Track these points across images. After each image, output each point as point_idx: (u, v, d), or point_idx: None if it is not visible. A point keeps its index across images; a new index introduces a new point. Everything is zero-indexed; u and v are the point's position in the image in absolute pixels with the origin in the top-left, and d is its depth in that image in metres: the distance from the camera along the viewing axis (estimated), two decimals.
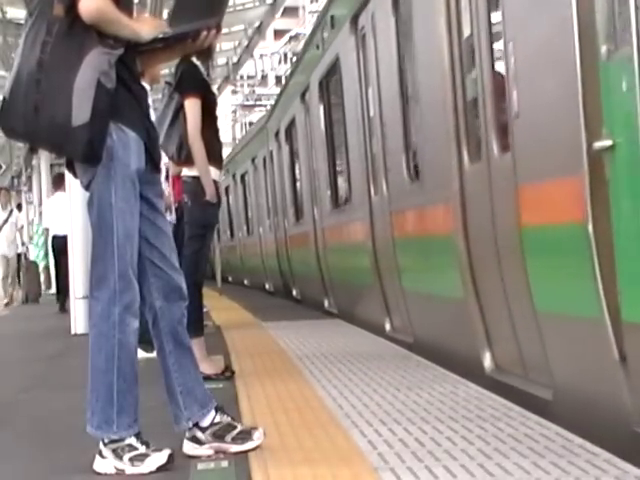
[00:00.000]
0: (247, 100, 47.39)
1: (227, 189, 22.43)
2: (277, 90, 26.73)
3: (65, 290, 12.26)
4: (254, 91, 47.47)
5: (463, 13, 5.44)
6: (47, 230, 15.36)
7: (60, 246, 12.52)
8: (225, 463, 3.48)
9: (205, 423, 3.61)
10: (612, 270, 3.61)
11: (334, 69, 9.65)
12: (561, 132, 3.99)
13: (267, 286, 17.73)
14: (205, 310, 7.45)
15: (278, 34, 50.20)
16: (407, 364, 5.92)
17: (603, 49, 3.58)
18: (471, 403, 4.44)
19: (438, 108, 5.82)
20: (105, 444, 3.44)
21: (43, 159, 23.32)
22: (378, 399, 4.68)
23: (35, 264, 19.15)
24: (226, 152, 20.64)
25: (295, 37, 48.20)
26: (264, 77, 48.67)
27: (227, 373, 5.68)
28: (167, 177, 6.00)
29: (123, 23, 3.45)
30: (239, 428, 3.65)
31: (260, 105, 44.74)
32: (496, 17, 4.89)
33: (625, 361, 3.62)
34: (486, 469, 3.17)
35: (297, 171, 13.61)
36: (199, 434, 3.61)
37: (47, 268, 19.67)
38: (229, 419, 3.67)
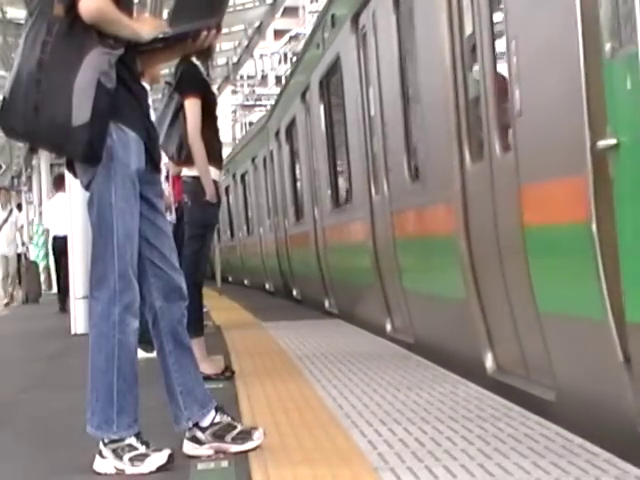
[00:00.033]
0: (247, 100, 47.39)
1: (227, 189, 22.42)
2: (277, 90, 26.74)
3: (65, 290, 12.27)
4: (254, 91, 47.47)
5: (465, 11, 5.40)
6: (48, 231, 15.37)
7: (60, 247, 12.53)
8: (225, 463, 3.48)
9: (205, 423, 3.61)
10: (616, 270, 3.57)
11: (335, 68, 9.63)
12: (564, 131, 3.95)
13: (267, 286, 17.73)
14: (205, 310, 7.45)
15: (278, 34, 50.19)
16: (407, 364, 5.92)
17: (607, 47, 3.54)
18: (471, 403, 4.44)
19: (439, 107, 5.79)
20: (105, 444, 3.44)
21: (43, 159, 23.33)
22: (378, 399, 4.68)
23: (35, 264, 19.15)
24: (226, 152, 20.64)
25: (295, 37, 48.20)
26: (264, 77, 48.67)
27: (227, 373, 5.68)
28: (167, 177, 6.01)
29: (123, 23, 3.45)
30: (239, 428, 3.65)
31: (260, 105, 44.75)
32: (498, 15, 4.86)
33: (629, 363, 3.58)
34: (486, 469, 3.17)
35: (297, 171, 13.60)
36: (199, 434, 3.61)
37: (48, 268, 19.68)
38: (229, 419, 3.67)
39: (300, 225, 13.03)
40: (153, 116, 4.52)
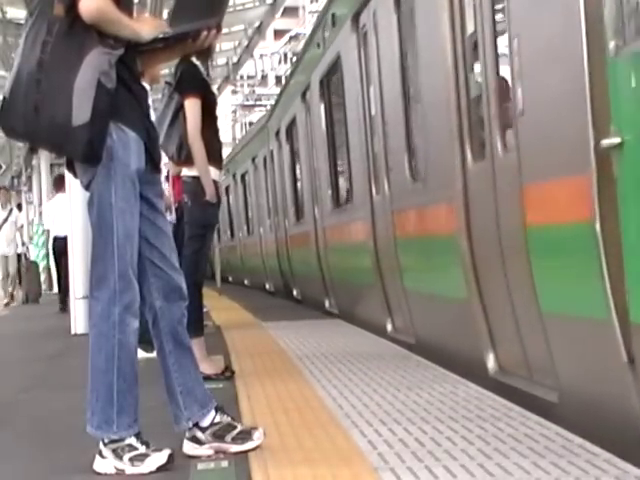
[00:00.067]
0: (247, 100, 47.40)
1: (227, 189, 22.42)
2: (277, 90, 26.74)
3: (66, 290, 12.27)
4: (254, 91, 47.48)
5: (466, 9, 5.37)
6: (48, 231, 15.39)
7: (61, 247, 12.55)
8: (225, 463, 3.48)
9: (205, 423, 3.61)
10: (620, 270, 3.54)
11: (335, 68, 9.61)
12: (568, 130, 3.91)
13: (267, 286, 17.73)
14: (205, 310, 7.45)
15: (278, 34, 50.20)
16: (407, 364, 5.92)
17: (611, 45, 3.50)
18: (471, 403, 4.44)
19: (441, 106, 5.76)
20: (105, 444, 3.44)
21: (43, 159, 23.34)
22: (378, 399, 4.68)
23: (35, 264, 19.16)
24: (226, 152, 20.65)
25: (295, 37, 48.21)
26: (264, 77, 48.69)
27: (227, 373, 5.68)
28: (167, 177, 6.00)
29: (123, 23, 3.45)
30: (239, 428, 3.65)
31: (260, 105, 44.75)
32: (500, 13, 4.82)
33: (634, 363, 3.55)
34: (486, 469, 3.17)
35: (298, 170, 13.58)
36: (199, 434, 3.61)
37: (48, 269, 19.68)
38: (229, 419, 3.67)
39: (300, 225, 13.02)
40: (153, 116, 4.51)
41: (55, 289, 16.14)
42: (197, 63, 5.77)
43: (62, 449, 3.98)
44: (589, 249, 3.69)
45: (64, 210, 11.22)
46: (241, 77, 42.68)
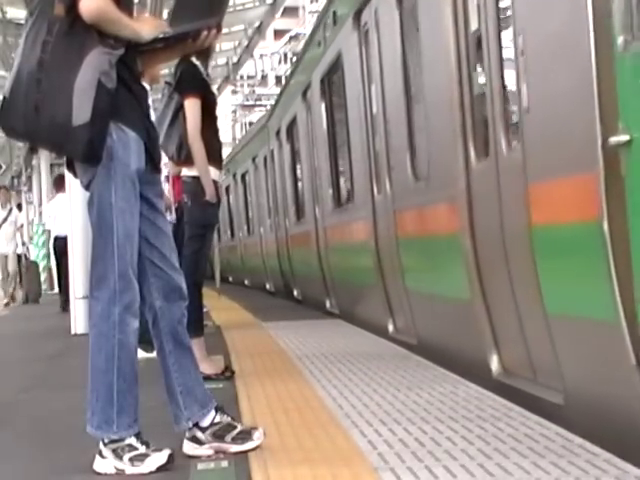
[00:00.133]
0: (247, 100, 47.41)
1: (228, 188, 22.42)
2: (277, 90, 26.74)
3: (67, 290, 12.27)
4: (254, 91, 47.49)
5: (470, 5, 5.32)
6: (49, 231, 15.41)
7: (62, 247, 12.55)
8: (225, 463, 3.48)
9: (205, 423, 3.61)
10: (628, 270, 3.48)
11: (336, 66, 9.57)
12: (575, 127, 3.84)
13: (268, 286, 17.71)
14: (205, 310, 7.45)
15: (278, 34, 50.20)
16: (407, 364, 5.92)
17: (620, 39, 3.44)
18: (471, 403, 4.44)
19: (444, 104, 5.70)
20: (105, 444, 3.44)
21: (43, 159, 23.36)
22: (378, 399, 4.68)
23: (35, 264, 19.16)
24: (226, 152, 20.65)
25: (295, 37, 48.22)
26: (264, 77, 48.69)
27: (227, 373, 5.68)
28: (167, 177, 6.00)
29: (124, 23, 3.45)
30: (239, 428, 3.65)
31: (260, 105, 44.76)
32: (505, 9, 4.76)
33: None
34: (486, 469, 3.17)
35: (298, 170, 13.57)
36: (199, 434, 3.61)
37: (49, 269, 19.69)
38: (229, 419, 3.67)
39: (301, 225, 13.01)
40: (153, 116, 4.51)
41: (56, 289, 16.15)
42: (197, 63, 5.77)
43: (62, 449, 3.98)
44: (597, 249, 3.63)
45: (65, 210, 11.22)
46: (241, 77, 42.70)
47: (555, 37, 4.06)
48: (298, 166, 13.54)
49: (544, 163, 4.25)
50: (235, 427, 3.64)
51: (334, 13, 9.42)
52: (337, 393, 4.91)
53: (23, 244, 18.70)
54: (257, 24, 18.07)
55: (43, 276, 20.20)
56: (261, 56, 45.07)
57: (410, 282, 7.03)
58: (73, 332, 9.78)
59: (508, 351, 5.13)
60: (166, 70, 9.73)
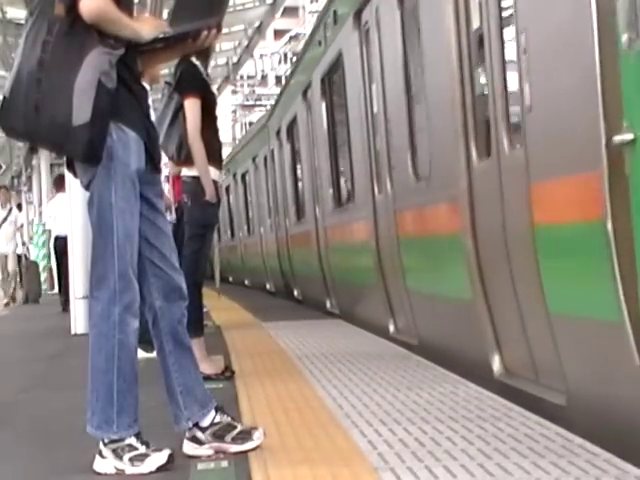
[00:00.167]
0: (247, 100, 47.39)
1: (228, 188, 22.41)
2: (277, 90, 26.73)
3: (67, 290, 12.28)
4: (254, 91, 47.47)
5: (472, 4, 5.30)
6: (50, 231, 15.42)
7: (62, 247, 12.55)
8: (225, 463, 3.48)
9: (205, 423, 3.61)
10: (632, 270, 3.46)
11: (337, 65, 9.55)
12: (578, 126, 3.81)
13: (268, 286, 17.71)
14: (205, 310, 7.44)
15: (278, 34, 50.20)
16: (407, 364, 5.92)
17: (624, 37, 3.40)
18: (471, 403, 4.44)
19: (445, 103, 5.68)
20: (105, 444, 3.44)
21: (43, 159, 23.36)
22: (378, 399, 4.68)
23: (35, 264, 19.16)
24: (226, 152, 20.64)
25: (295, 37, 48.21)
26: (264, 77, 48.68)
27: (227, 373, 5.68)
28: (167, 177, 6.00)
29: (124, 23, 3.45)
30: (239, 428, 3.65)
31: (260, 105, 44.74)
32: (507, 6, 4.74)
33: None
34: (486, 469, 3.17)
35: (299, 170, 13.55)
36: (199, 434, 3.61)
37: (50, 269, 19.69)
38: (229, 419, 3.67)
39: (301, 225, 13.00)
40: (153, 116, 4.51)
41: (56, 289, 16.15)
42: (197, 63, 5.77)
43: (62, 449, 3.98)
44: (600, 248, 3.60)
45: (65, 210, 11.22)
46: (241, 77, 42.68)
47: (558, 35, 4.02)
48: (298, 166, 13.53)
49: (547, 162, 4.22)
50: (235, 427, 3.64)
51: (334, 12, 9.40)
52: (337, 393, 4.91)
53: (23, 244, 18.70)
54: (257, 24, 18.07)
55: (43, 276, 20.20)
56: (261, 56, 45.05)
57: (411, 282, 7.01)
58: (73, 332, 9.78)
59: (510, 352, 5.11)
60: (166, 70, 9.73)
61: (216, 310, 11.58)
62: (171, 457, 3.42)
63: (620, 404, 3.79)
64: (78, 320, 9.71)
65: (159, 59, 4.03)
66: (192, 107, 5.63)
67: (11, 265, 17.67)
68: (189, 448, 3.62)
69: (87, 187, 3.52)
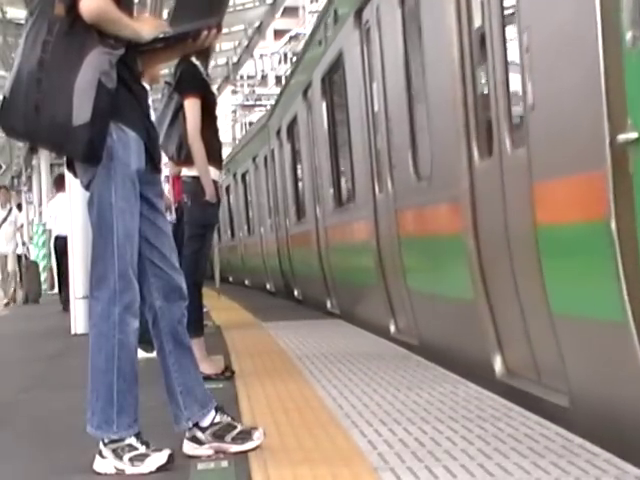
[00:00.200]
0: (247, 100, 47.39)
1: (228, 188, 22.41)
2: (277, 90, 26.74)
3: (67, 290, 12.28)
4: (254, 91, 47.47)
5: (473, 2, 5.28)
6: (50, 231, 15.43)
7: (62, 246, 12.55)
8: (225, 463, 3.48)
9: (205, 423, 3.61)
10: (637, 270, 3.44)
11: (337, 65, 9.54)
12: (582, 124, 3.77)
13: (268, 286, 17.70)
14: (205, 310, 7.44)
15: (278, 34, 50.20)
16: (407, 364, 5.91)
17: (628, 35, 3.37)
18: (471, 403, 4.44)
19: (447, 102, 5.65)
20: (105, 444, 3.44)
21: (43, 159, 23.36)
22: (378, 399, 4.68)
23: (35, 264, 19.17)
24: (226, 152, 20.64)
25: (295, 37, 48.21)
26: (264, 77, 48.68)
27: (227, 373, 5.68)
28: (167, 177, 6.00)
29: (124, 23, 3.45)
30: (239, 428, 3.65)
31: (260, 105, 44.75)
32: (509, 4, 4.72)
33: None
34: (486, 469, 3.17)
35: (299, 169, 13.55)
36: (199, 434, 3.61)
37: (50, 269, 19.69)
38: (229, 419, 3.67)
39: (302, 224, 12.99)
40: (153, 116, 4.51)
41: (56, 289, 16.15)
42: (197, 63, 5.77)
43: (62, 449, 3.98)
44: (604, 248, 3.58)
45: (65, 210, 11.22)
46: (241, 77, 42.68)
47: (561, 33, 4.00)
48: (299, 165, 13.52)
49: (550, 161, 4.19)
50: (235, 427, 3.64)
51: (335, 12, 9.39)
52: (337, 393, 4.91)
53: (23, 244, 18.70)
54: (257, 24, 18.07)
55: (43, 276, 20.20)
56: (261, 56, 45.05)
57: (412, 282, 6.99)
58: (73, 332, 9.78)
59: (512, 352, 5.09)
60: (166, 70, 9.72)
61: (216, 310, 11.58)
62: (171, 457, 3.42)
63: (624, 405, 3.76)
64: (78, 320, 9.71)
65: (159, 59, 4.03)
66: (192, 107, 5.63)
67: (11, 265, 17.66)
68: (189, 448, 3.62)
69: (87, 187, 3.52)
